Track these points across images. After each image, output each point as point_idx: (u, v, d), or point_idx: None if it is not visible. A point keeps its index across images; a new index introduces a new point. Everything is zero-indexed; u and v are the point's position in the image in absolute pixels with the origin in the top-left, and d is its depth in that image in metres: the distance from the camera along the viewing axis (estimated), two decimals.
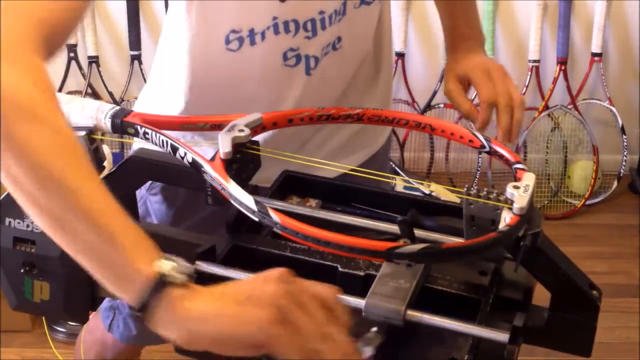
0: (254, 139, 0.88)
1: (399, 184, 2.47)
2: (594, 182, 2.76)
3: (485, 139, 0.89)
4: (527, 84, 2.73)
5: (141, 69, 2.64)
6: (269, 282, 0.67)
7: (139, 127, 0.87)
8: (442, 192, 2.57)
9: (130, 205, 0.94)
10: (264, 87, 1.03)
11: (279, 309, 0.65)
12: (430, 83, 2.76)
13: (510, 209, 0.73)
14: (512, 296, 0.79)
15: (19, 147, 0.65)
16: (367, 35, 1.09)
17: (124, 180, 0.91)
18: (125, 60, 2.71)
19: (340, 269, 0.81)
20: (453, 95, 1.15)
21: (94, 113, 0.89)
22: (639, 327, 2.18)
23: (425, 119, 0.95)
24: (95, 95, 2.67)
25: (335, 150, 1.15)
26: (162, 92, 1.10)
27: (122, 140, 2.42)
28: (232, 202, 0.77)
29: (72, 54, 2.63)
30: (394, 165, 2.76)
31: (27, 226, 0.84)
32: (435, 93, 2.75)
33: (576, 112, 2.75)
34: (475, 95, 1.14)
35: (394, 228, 0.81)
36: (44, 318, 2.04)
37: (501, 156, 0.86)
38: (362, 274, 0.80)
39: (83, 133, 0.86)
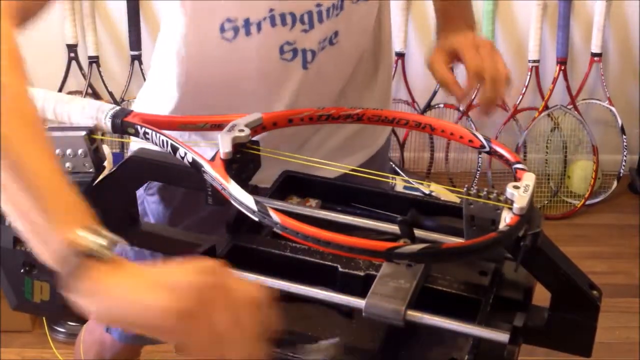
0: (254, 139, 0.88)
1: (399, 184, 2.47)
2: (594, 182, 2.76)
3: (485, 139, 0.89)
4: (526, 84, 2.73)
5: (141, 69, 2.64)
6: (194, 271, 0.65)
7: (139, 127, 0.87)
8: (442, 192, 2.57)
9: (130, 205, 0.95)
10: (261, 81, 1.03)
11: (190, 302, 0.62)
12: (430, 83, 2.76)
13: (510, 209, 0.73)
14: (512, 296, 0.79)
15: None
16: (364, 32, 1.09)
17: (124, 180, 0.91)
18: (126, 61, 2.71)
19: (340, 269, 0.81)
20: (432, 62, 1.12)
21: (94, 113, 0.89)
22: (639, 327, 2.18)
23: (425, 119, 0.95)
24: (96, 95, 2.67)
25: (334, 151, 1.15)
26: (160, 86, 1.10)
27: (122, 140, 2.42)
28: (232, 202, 0.77)
29: (72, 54, 2.63)
30: (394, 165, 2.76)
31: None
32: (435, 93, 2.75)
33: (576, 112, 2.75)
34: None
35: (394, 228, 0.81)
36: (44, 318, 2.04)
37: (501, 156, 0.86)
38: (362, 274, 0.80)
39: (83, 133, 0.86)
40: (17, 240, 0.85)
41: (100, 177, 0.89)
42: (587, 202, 2.77)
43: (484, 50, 1.09)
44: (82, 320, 1.16)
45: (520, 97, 2.73)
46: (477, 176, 2.78)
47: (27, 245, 0.68)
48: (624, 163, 2.80)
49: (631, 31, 2.76)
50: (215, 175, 0.79)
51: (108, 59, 2.74)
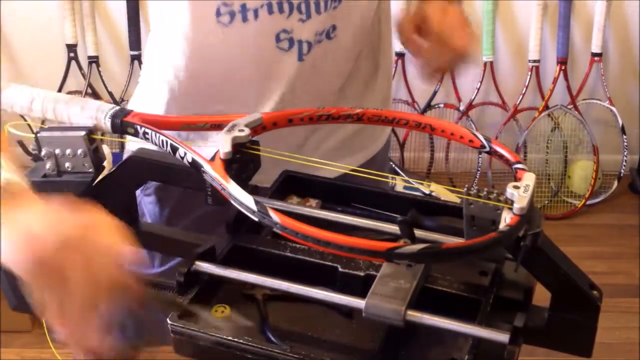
0: (254, 138, 0.88)
1: (399, 184, 2.47)
2: (594, 182, 2.76)
3: (485, 139, 0.89)
4: (527, 84, 2.73)
5: (141, 69, 2.63)
6: (69, 226, 0.64)
7: (138, 127, 0.87)
8: (442, 192, 2.57)
9: (130, 205, 0.94)
10: (256, 69, 1.03)
11: (46, 254, 0.62)
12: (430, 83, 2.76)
13: (511, 209, 0.73)
14: (513, 296, 0.79)
15: None
16: (363, 29, 1.09)
17: (124, 180, 0.91)
18: (125, 60, 2.71)
19: (340, 269, 0.81)
20: (401, 22, 1.09)
21: (93, 113, 0.89)
22: (639, 327, 2.18)
23: (425, 119, 0.94)
24: (95, 95, 2.68)
25: (332, 152, 1.15)
26: (156, 78, 1.10)
27: (122, 140, 2.42)
28: (232, 202, 0.77)
29: (72, 54, 2.63)
30: (394, 165, 2.76)
31: None
32: (435, 93, 2.75)
33: (576, 112, 2.75)
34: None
35: (394, 228, 0.81)
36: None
37: (501, 156, 0.86)
38: (362, 274, 0.80)
39: (83, 133, 0.86)
40: None
41: (100, 177, 0.89)
42: (588, 202, 2.77)
43: (451, 17, 1.06)
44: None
45: (521, 97, 2.73)
46: (477, 176, 2.79)
47: None
48: (624, 163, 2.80)
49: (631, 31, 2.76)
50: (215, 175, 0.79)
51: (108, 58, 2.74)
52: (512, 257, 0.76)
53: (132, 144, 0.96)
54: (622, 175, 2.81)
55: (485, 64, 2.73)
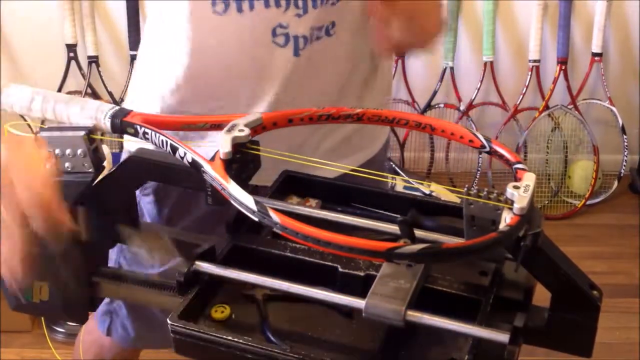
0: (254, 138, 0.88)
1: (399, 184, 2.47)
2: (595, 182, 2.76)
3: (485, 139, 0.89)
4: (527, 83, 2.73)
5: (134, 64, 2.63)
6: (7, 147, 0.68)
7: (138, 127, 0.87)
8: (442, 192, 2.57)
9: (130, 205, 0.94)
10: (252, 64, 1.03)
11: None
12: (430, 83, 2.76)
13: (511, 209, 0.72)
14: (513, 296, 0.79)
15: None
16: (363, 28, 1.09)
17: (124, 180, 0.91)
18: (125, 60, 2.71)
19: (340, 269, 0.81)
20: None
21: (93, 113, 0.89)
22: (639, 327, 2.18)
23: (425, 119, 0.94)
24: (95, 95, 2.68)
25: (331, 152, 1.15)
26: (152, 73, 1.10)
27: (122, 140, 2.42)
28: (232, 202, 0.77)
29: (71, 54, 2.63)
30: (394, 165, 2.76)
31: None
32: (435, 93, 2.75)
33: (576, 112, 2.75)
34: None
35: (394, 228, 0.81)
36: (43, 319, 2.04)
37: (501, 156, 0.86)
38: (362, 274, 0.80)
39: (82, 133, 0.86)
40: None
41: (100, 177, 0.89)
42: (588, 202, 2.77)
43: None
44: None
45: (521, 97, 2.73)
46: (478, 176, 2.79)
47: None
48: (624, 163, 2.80)
49: (632, 31, 2.76)
50: (215, 175, 0.79)
51: (107, 58, 2.74)
52: (512, 257, 0.76)
53: (131, 144, 0.96)
54: (622, 175, 2.81)
55: (485, 63, 2.73)
